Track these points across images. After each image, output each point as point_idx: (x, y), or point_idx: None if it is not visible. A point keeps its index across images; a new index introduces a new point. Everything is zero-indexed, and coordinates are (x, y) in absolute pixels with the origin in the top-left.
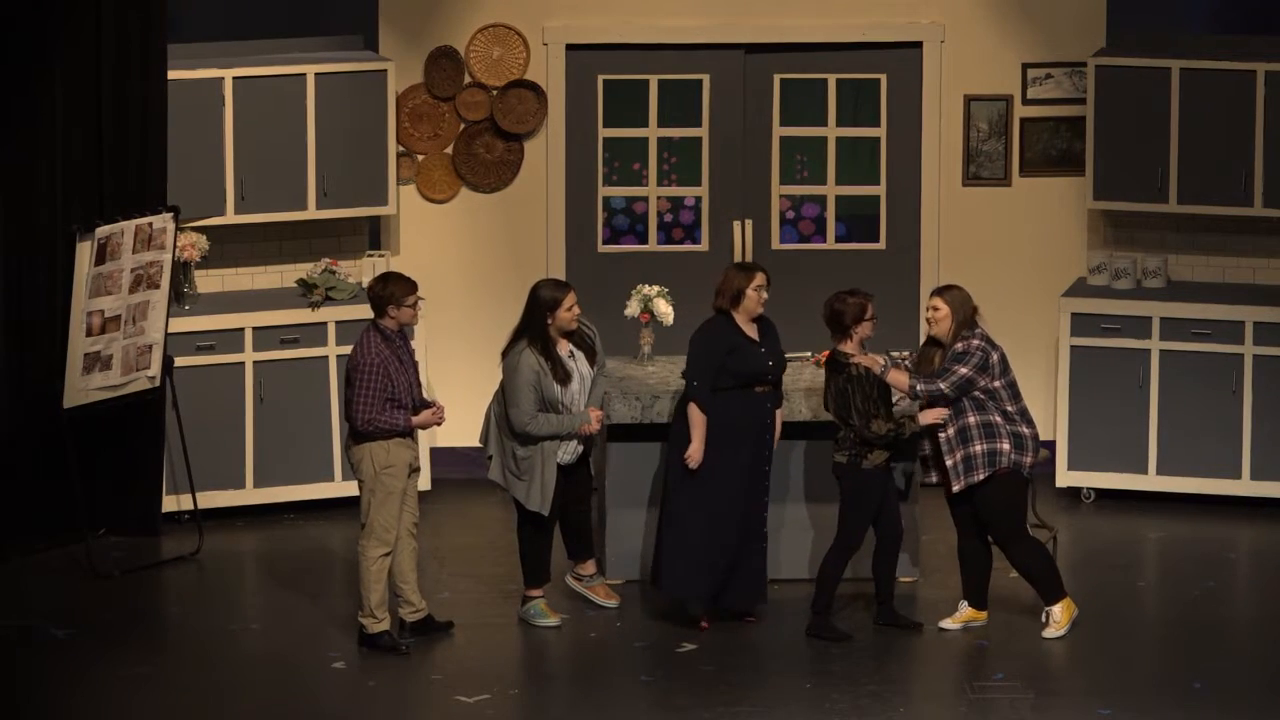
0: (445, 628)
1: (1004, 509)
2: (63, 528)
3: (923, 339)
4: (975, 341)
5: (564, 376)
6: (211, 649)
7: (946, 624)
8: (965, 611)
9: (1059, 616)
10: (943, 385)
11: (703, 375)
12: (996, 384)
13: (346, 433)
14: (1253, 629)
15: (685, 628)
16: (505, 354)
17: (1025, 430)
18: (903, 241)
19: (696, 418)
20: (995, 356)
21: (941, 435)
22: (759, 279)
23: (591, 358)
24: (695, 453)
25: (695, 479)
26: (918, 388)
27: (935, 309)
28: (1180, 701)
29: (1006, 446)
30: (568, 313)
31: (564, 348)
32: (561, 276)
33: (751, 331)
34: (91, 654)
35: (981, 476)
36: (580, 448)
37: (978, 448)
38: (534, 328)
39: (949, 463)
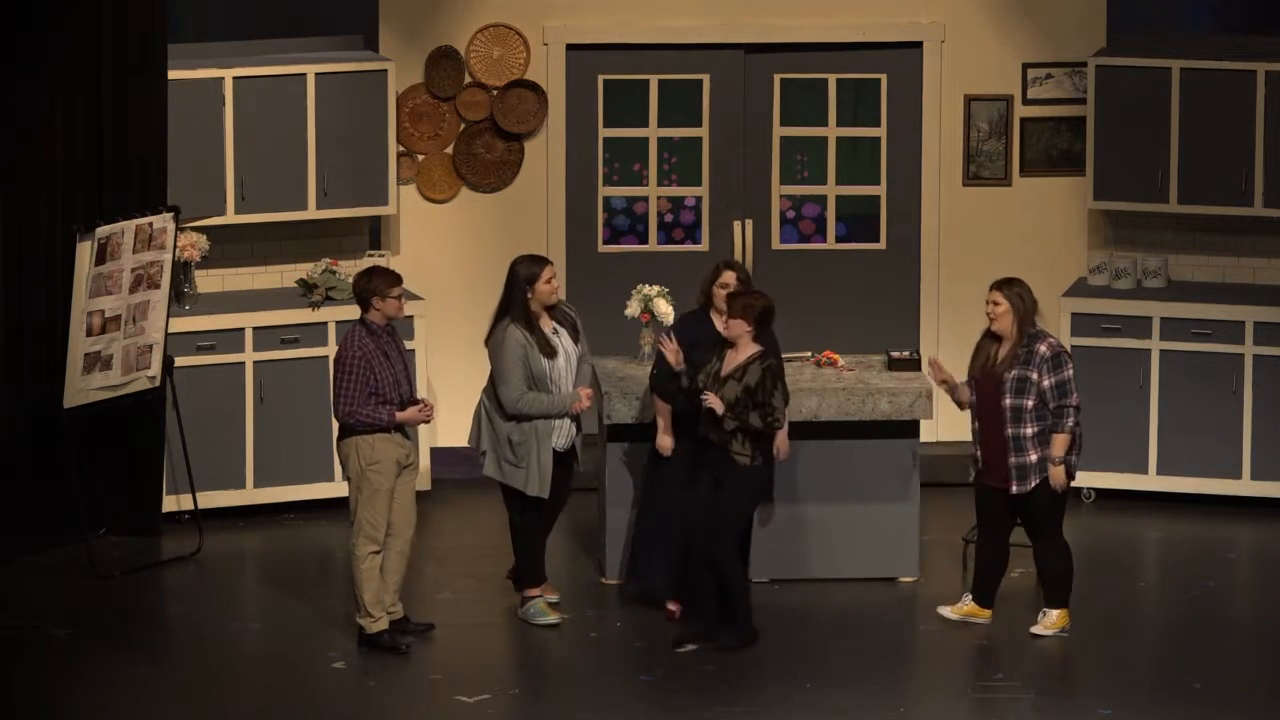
0: (424, 629)
1: (1049, 506)
2: (63, 528)
3: (927, 338)
4: (1053, 340)
5: (550, 350)
6: (211, 649)
7: (945, 611)
8: (968, 605)
9: (1054, 620)
10: (1073, 402)
11: (663, 364)
12: None
13: (335, 430)
14: (1253, 629)
15: (685, 627)
16: (489, 337)
17: (1078, 429)
18: (903, 241)
19: (658, 406)
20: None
21: (1008, 433)
22: (725, 277)
23: (575, 335)
24: (661, 442)
25: (656, 470)
26: (1070, 426)
27: (996, 304)
28: (1180, 701)
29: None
30: (547, 285)
31: (547, 324)
32: (562, 276)
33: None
34: (91, 654)
35: (1033, 484)
36: (574, 432)
37: (1033, 457)
38: (515, 305)
39: (1010, 460)
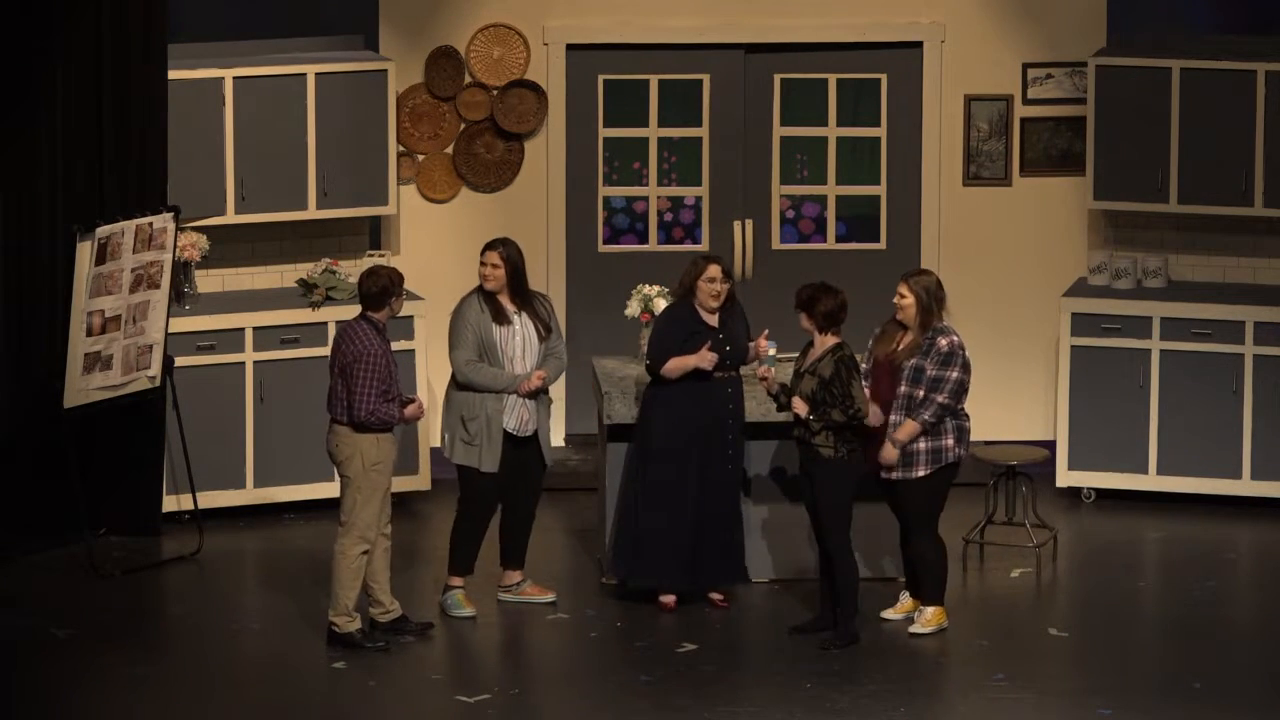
0: (424, 629)
1: (927, 499)
2: (63, 528)
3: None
4: (955, 339)
5: (505, 319)
6: (211, 649)
7: (888, 614)
8: (907, 602)
9: (930, 617)
10: (941, 399)
11: (657, 352)
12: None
13: (329, 427)
14: (1253, 629)
15: (686, 627)
16: None
17: (967, 424)
18: (903, 241)
19: (670, 368)
20: (967, 352)
21: (896, 420)
22: (710, 270)
23: (543, 328)
24: (705, 355)
25: (659, 468)
26: (925, 418)
27: (903, 295)
28: (1180, 701)
29: (951, 442)
30: (483, 268)
31: (508, 303)
32: (562, 276)
33: (711, 319)
34: (91, 654)
35: (923, 473)
36: (529, 418)
37: (921, 445)
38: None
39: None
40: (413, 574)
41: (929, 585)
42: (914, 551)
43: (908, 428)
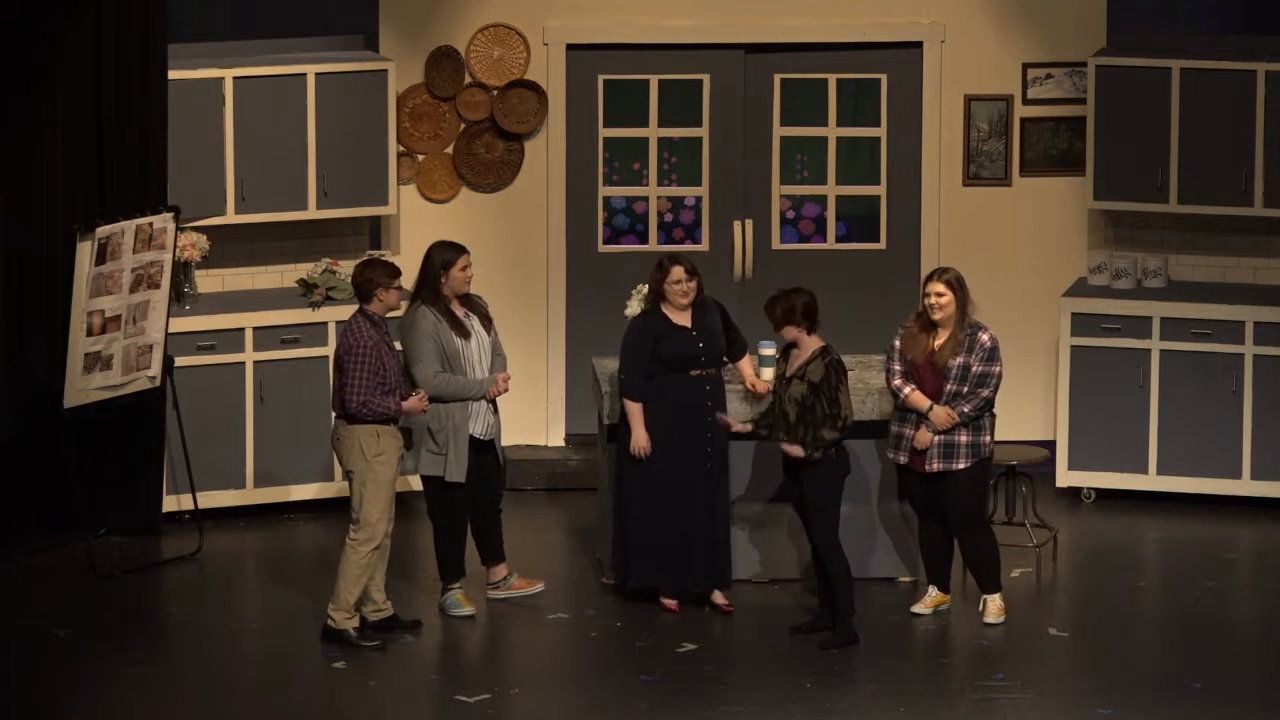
0: (412, 628)
1: (974, 496)
2: (63, 528)
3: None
4: (992, 333)
5: (463, 331)
6: (211, 649)
7: (919, 609)
8: (935, 595)
9: (1000, 605)
10: (986, 394)
11: (628, 369)
12: None
13: (333, 422)
14: (1253, 629)
15: (686, 627)
16: (400, 322)
17: (994, 417)
18: (903, 241)
19: (630, 408)
20: None
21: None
22: (674, 273)
23: (487, 325)
24: (638, 440)
25: (642, 467)
26: (965, 410)
27: (940, 294)
28: (1180, 701)
29: (988, 438)
30: (461, 273)
31: (458, 309)
32: (562, 276)
33: (682, 318)
34: (91, 654)
35: (961, 466)
36: (493, 422)
37: (963, 438)
38: (427, 289)
39: (937, 438)
40: (410, 573)
41: (989, 575)
42: (969, 544)
43: (944, 416)
